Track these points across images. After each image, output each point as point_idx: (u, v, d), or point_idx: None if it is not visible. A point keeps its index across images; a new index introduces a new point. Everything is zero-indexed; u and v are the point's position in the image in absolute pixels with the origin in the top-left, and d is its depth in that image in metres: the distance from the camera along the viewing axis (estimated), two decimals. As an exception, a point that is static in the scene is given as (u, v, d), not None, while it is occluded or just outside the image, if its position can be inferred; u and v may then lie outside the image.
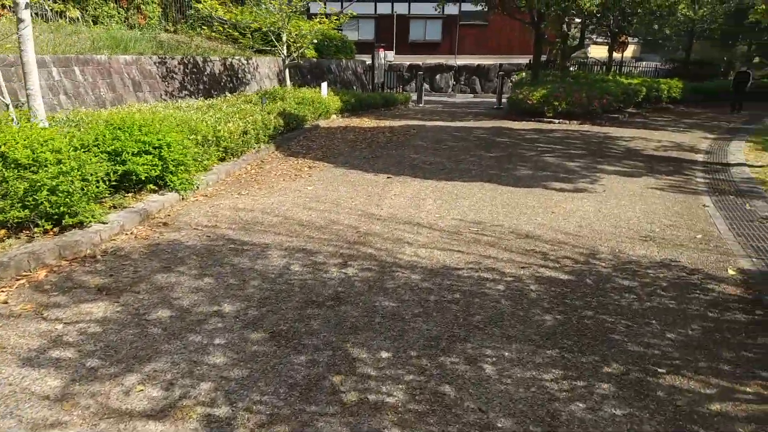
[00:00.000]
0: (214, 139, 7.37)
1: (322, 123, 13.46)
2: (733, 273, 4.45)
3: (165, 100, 11.74)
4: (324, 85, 15.22)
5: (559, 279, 4.14)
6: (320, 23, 14.15)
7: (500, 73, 23.28)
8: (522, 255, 4.67)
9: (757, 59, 27.53)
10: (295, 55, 14.89)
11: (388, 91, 23.96)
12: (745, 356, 3.06)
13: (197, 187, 6.41)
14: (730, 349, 3.14)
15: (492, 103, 22.03)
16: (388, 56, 30.66)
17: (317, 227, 5.21)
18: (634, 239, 5.27)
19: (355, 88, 22.65)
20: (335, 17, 14.36)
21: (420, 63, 30.84)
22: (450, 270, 4.24)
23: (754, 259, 4.82)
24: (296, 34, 14.59)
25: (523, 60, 28.40)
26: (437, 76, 31.51)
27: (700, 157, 10.56)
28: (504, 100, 19.93)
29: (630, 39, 28.76)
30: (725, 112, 18.88)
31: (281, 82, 16.07)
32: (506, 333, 3.24)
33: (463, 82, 31.55)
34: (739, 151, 11.40)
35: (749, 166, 9.73)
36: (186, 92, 12.99)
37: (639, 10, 22.82)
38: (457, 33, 32.88)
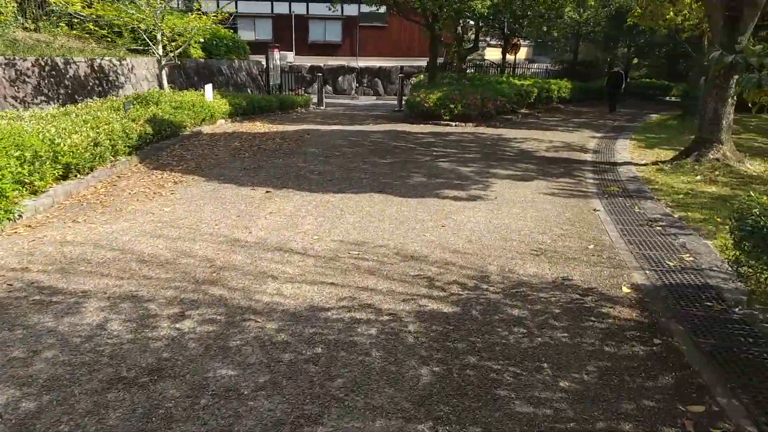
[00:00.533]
0: (51, 154, 6.14)
1: (206, 129, 12.30)
2: (628, 291, 4.12)
3: (13, 107, 10.09)
4: (209, 87, 13.99)
5: (442, 313, 3.57)
6: (196, 20, 12.93)
7: (400, 75, 23.04)
8: (405, 284, 4.06)
9: (635, 60, 29.56)
10: (172, 55, 13.55)
11: (289, 93, 22.94)
12: (647, 407, 2.62)
13: (19, 216, 5.22)
14: (630, 398, 2.69)
15: (393, 106, 21.73)
16: (287, 57, 29.55)
17: (161, 263, 4.29)
18: (525, 254, 4.86)
19: (249, 90, 21.41)
20: (213, 14, 13.20)
21: (321, 64, 30.02)
22: (317, 312, 3.53)
23: (647, 271, 4.56)
24: (172, 32, 13.27)
25: (424, 62, 28.48)
26: (340, 78, 30.88)
27: (589, 157, 10.69)
28: (405, 103, 19.66)
29: (522, 41, 29.79)
30: (615, 110, 19.81)
31: (162, 84, 14.63)
32: (371, 403, 2.57)
33: (366, 84, 31.17)
34: (624, 149, 11.74)
35: (635, 164, 9.94)
36: (43, 98, 11.31)
37: (529, 13, 23.58)
38: (357, 34, 32.41)
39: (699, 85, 17.45)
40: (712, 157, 9.32)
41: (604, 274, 4.46)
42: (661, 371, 2.94)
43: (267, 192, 6.80)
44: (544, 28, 25.58)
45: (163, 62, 13.47)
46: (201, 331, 3.21)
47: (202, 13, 13.31)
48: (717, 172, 8.87)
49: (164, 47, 13.38)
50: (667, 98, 26.19)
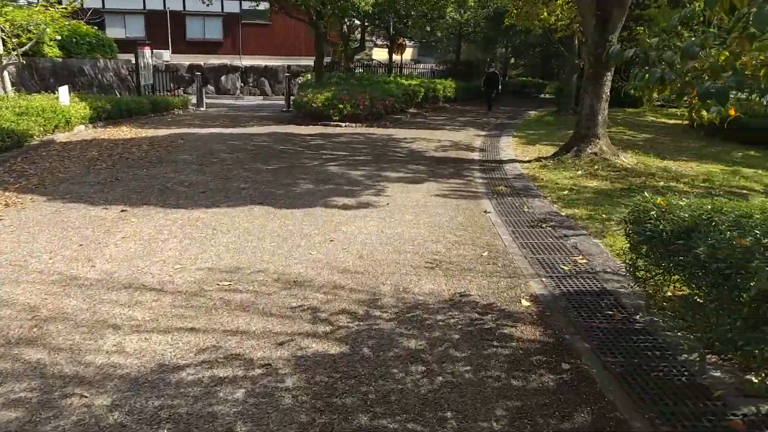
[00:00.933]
0: None
1: (61, 137, 10.71)
2: (527, 304, 3.83)
3: None
4: (63, 89, 12.25)
5: (328, 356, 3.00)
6: (41, 13, 11.22)
7: (287, 74, 22.15)
8: (284, 319, 3.44)
9: (512, 59, 31.07)
10: (15, 54, 11.68)
11: (167, 94, 21.14)
12: (565, 459, 2.25)
13: None
14: (545, 449, 2.31)
15: (281, 106, 20.85)
16: (163, 56, 27.36)
17: (-39, 319, 3.30)
18: (419, 268, 4.45)
19: (118, 92, 19.40)
20: (62, 7, 11.55)
21: (202, 63, 28.20)
22: (168, 373, 2.80)
23: (543, 279, 4.33)
24: (12, 27, 11.43)
25: (312, 61, 27.76)
26: (223, 78, 29.19)
27: (476, 156, 10.70)
28: (292, 103, 18.87)
29: (407, 41, 30.10)
30: (492, 109, 20.39)
31: (5, 87, 12.58)
32: (230, 507, 1.95)
33: (251, 84, 29.78)
34: (509, 146, 11.95)
35: (520, 161, 10.07)
36: None
37: (412, 13, 23.77)
38: (240, 32, 30.87)
39: (571, 82, 18.55)
40: (590, 151, 9.67)
41: (502, 286, 4.16)
42: (576, 406, 2.61)
43: (122, 211, 5.80)
44: (428, 28, 26.04)
45: (5, 62, 11.58)
46: (-3, 421, 2.37)
47: (49, 4, 11.57)
48: (596, 166, 9.19)
49: (4, 44, 11.50)
50: (542, 95, 27.72)
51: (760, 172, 9.68)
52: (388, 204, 6.57)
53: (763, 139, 12.04)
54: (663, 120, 17.96)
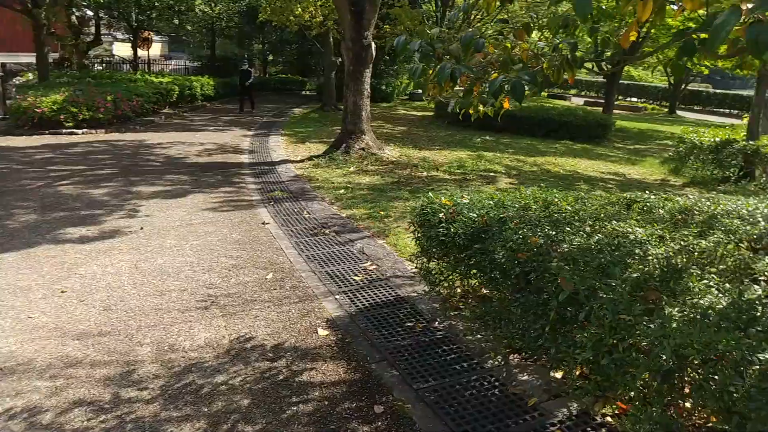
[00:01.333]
0: None
1: None
2: (325, 333, 3.32)
3: None
4: None
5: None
6: None
7: (0, 74, 17.82)
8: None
9: (270, 57, 30.58)
10: None
11: None
12: None
13: None
14: None
15: (-8, 113, 16.71)
16: None
17: None
18: (190, 311, 3.59)
19: None
20: None
21: None
22: None
23: (337, 296, 3.88)
24: None
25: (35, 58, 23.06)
26: None
27: (245, 159, 9.91)
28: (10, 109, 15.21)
29: (155, 35, 27.23)
30: (256, 107, 19.55)
31: None
32: None
33: (-52, 87, 23.43)
34: (279, 146, 11.42)
35: (292, 161, 9.61)
36: None
37: (157, 4, 21.45)
38: (-75, 21, 23.96)
39: (330, 79, 18.83)
40: (358, 147, 9.70)
41: (293, 315, 3.58)
42: (399, 467, 2.18)
43: None
44: (176, 21, 23.86)
45: None
46: None
47: None
48: (365, 162, 9.25)
49: None
50: (303, 92, 27.81)
51: (497, 154, 10.98)
52: (143, 228, 5.42)
53: (493, 125, 13.71)
54: (413, 112, 19.49)
